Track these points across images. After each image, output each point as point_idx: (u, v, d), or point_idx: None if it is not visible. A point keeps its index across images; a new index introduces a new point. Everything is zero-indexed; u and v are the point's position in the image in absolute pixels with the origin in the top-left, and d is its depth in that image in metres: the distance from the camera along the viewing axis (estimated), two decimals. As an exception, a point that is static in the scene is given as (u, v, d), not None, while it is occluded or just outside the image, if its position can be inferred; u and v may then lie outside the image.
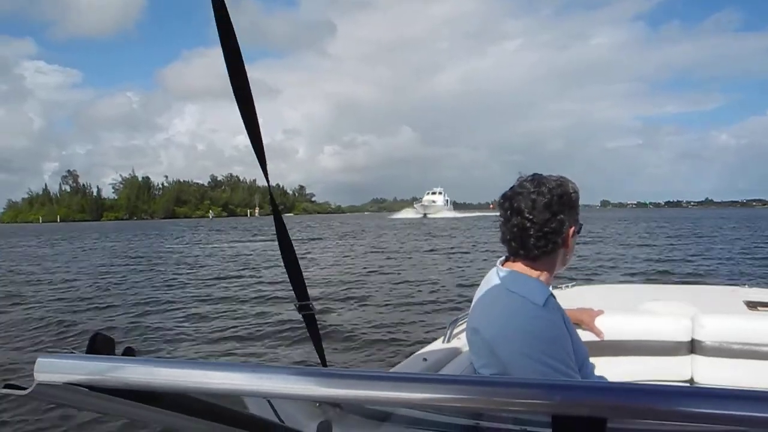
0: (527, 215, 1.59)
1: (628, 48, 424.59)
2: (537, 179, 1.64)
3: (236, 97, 1.21)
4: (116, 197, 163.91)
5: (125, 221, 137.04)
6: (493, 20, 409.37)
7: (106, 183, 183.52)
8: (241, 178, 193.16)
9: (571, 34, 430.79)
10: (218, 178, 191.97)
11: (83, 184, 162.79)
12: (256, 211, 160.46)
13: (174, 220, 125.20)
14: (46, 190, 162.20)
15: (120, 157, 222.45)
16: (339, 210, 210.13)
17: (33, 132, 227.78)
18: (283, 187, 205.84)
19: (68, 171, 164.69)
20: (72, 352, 0.88)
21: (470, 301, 1.78)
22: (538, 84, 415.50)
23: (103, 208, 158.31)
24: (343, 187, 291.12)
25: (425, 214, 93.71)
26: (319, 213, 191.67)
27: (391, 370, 1.98)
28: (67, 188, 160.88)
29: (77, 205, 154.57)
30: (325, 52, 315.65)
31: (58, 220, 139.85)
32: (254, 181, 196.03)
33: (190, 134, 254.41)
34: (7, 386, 0.82)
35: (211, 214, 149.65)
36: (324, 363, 1.46)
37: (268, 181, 1.27)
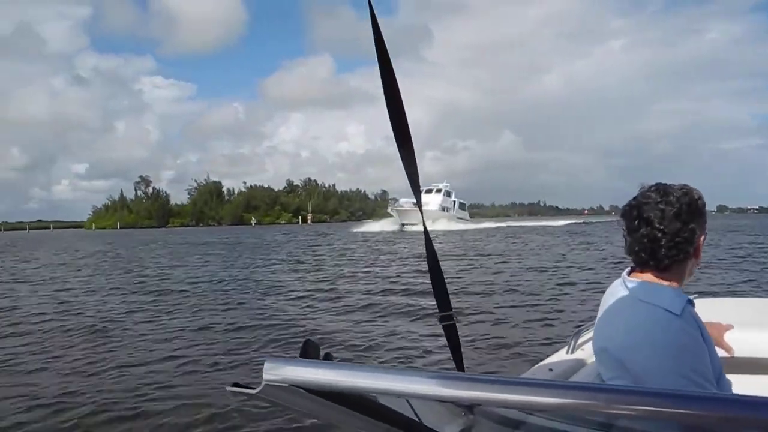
0: (657, 225, 1.61)
1: (745, 42, 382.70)
2: (662, 188, 1.66)
3: (388, 108, 1.36)
4: (183, 203, 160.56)
5: (191, 227, 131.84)
6: (597, 19, 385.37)
7: (182, 189, 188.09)
8: (319, 183, 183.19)
9: (681, 30, 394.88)
10: (294, 183, 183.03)
11: (156, 190, 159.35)
12: (309, 217, 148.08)
13: (236, 227, 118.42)
14: (122, 196, 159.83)
15: (228, 165, 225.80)
16: (426, 216, 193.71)
17: (150, 143, 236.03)
18: (364, 192, 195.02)
19: (141, 177, 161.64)
20: (294, 357, 1.01)
21: (587, 309, 3.72)
22: (645, 84, 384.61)
23: (170, 214, 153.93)
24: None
25: (403, 225, 62.07)
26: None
27: None
28: (140, 193, 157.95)
29: (145, 211, 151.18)
30: (423, 57, 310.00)
31: (118, 227, 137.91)
32: (333, 186, 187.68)
33: (294, 142, 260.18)
34: (235, 385, 0.95)
35: (253, 220, 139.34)
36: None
37: (417, 194, 1.41)
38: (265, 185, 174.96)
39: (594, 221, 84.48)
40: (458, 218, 70.83)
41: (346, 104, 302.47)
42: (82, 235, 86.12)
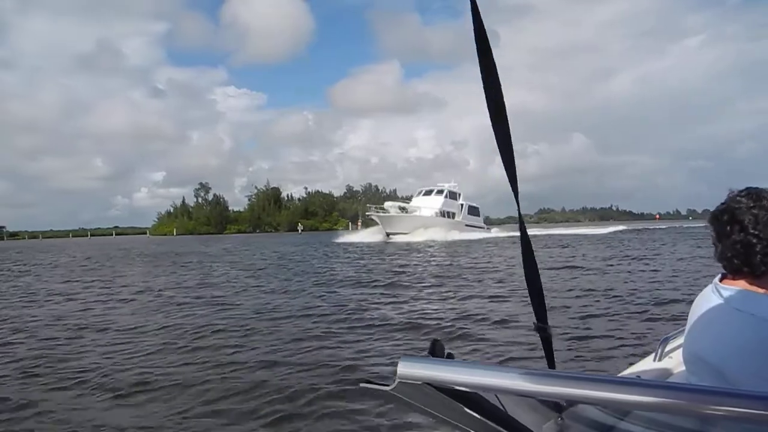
0: (752, 231, 1.59)
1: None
2: (754, 193, 1.65)
3: (490, 113, 1.35)
4: (240, 210, 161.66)
5: (248, 234, 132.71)
6: (671, 17, 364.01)
7: (243, 195, 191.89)
8: (380, 188, 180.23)
9: (765, 23, 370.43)
10: (354, 188, 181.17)
11: (216, 196, 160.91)
12: (359, 223, 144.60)
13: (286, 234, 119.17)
14: (183, 203, 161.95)
15: (298, 171, 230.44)
16: (488, 221, 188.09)
17: (223, 151, 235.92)
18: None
19: (200, 183, 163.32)
20: (427, 356, 1.07)
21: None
22: (726, 82, 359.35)
23: (227, 220, 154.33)
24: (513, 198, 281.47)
25: (388, 234, 52.39)
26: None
27: None
28: (200, 200, 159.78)
29: (204, 217, 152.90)
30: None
31: (174, 233, 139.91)
32: (394, 191, 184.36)
33: (363, 148, 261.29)
34: (367, 382, 1.01)
35: (300, 227, 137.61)
36: None
37: (516, 197, 1.36)
38: (327, 191, 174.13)
39: (656, 227, 75.03)
40: (467, 225, 59.74)
41: (415, 110, 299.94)
42: (127, 241, 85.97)
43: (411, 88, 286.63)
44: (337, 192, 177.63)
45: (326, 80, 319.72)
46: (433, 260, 25.06)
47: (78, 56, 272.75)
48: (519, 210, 1.37)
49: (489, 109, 1.31)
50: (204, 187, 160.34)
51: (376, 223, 54.38)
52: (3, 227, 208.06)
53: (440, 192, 59.69)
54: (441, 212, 56.55)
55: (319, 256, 31.09)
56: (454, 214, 59.11)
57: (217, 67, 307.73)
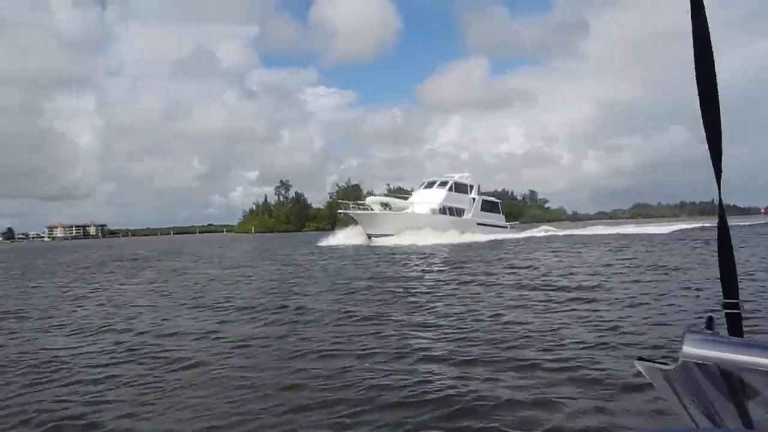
0: None
1: None
2: None
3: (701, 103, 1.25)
4: (320, 207, 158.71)
5: (326, 231, 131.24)
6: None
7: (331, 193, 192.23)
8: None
9: None
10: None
11: (298, 194, 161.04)
12: None
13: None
14: (265, 201, 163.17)
15: (388, 168, 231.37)
16: (575, 217, 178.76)
17: (314, 150, 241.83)
18: (511, 192, 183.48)
19: (281, 181, 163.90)
20: (715, 333, 0.94)
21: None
22: None
23: (307, 218, 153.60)
24: (607, 192, 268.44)
25: (369, 236, 43.88)
26: (550, 221, 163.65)
27: None
28: (281, 198, 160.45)
29: (284, 215, 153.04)
30: (581, 53, 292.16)
31: (252, 231, 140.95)
32: (478, 186, 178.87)
33: (453, 144, 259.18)
34: (642, 359, 0.92)
35: None
36: None
37: (719, 184, 1.26)
38: (410, 188, 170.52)
39: (755, 222, 62.54)
40: (480, 224, 49.61)
41: (504, 105, 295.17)
42: (195, 240, 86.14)
43: (500, 83, 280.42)
44: (388, 185, 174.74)
45: (413, 77, 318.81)
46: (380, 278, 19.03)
47: (176, 62, 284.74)
48: (720, 196, 1.23)
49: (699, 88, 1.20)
50: (284, 185, 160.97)
51: (357, 223, 45.80)
52: (104, 225, 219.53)
53: (443, 184, 50.07)
54: (443, 209, 47.69)
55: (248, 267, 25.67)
56: (461, 210, 49.67)
57: (306, 67, 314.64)
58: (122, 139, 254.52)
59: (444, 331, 8.87)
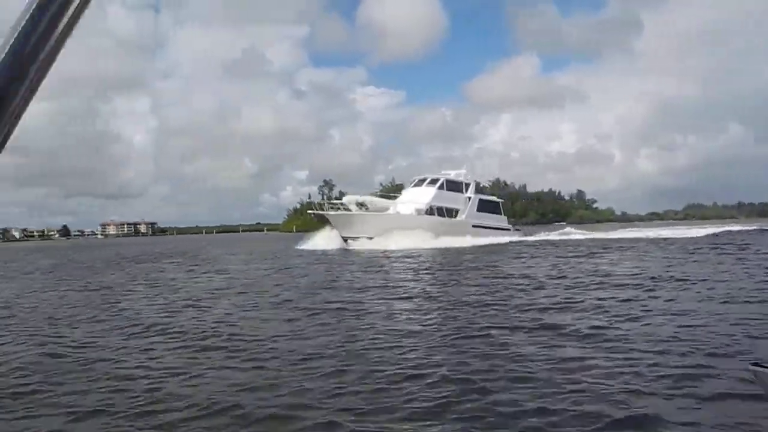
0: None
1: None
2: None
3: None
4: None
5: None
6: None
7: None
8: (509, 183, 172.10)
9: None
10: (481, 184, 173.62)
11: (342, 194, 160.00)
12: None
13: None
14: (309, 200, 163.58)
15: (437, 168, 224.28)
16: (624, 218, 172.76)
17: (363, 149, 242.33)
18: (558, 192, 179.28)
19: (324, 180, 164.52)
20: None
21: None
22: None
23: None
24: (660, 192, 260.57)
25: (345, 239, 40.59)
26: (598, 222, 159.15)
27: None
28: (324, 197, 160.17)
29: None
30: (633, 50, 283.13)
31: (294, 230, 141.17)
32: (523, 186, 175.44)
33: (503, 143, 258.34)
34: (757, 365, 0.89)
35: None
36: None
37: None
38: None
39: None
40: (476, 226, 45.19)
41: (555, 103, 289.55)
42: (231, 238, 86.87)
43: (550, 81, 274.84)
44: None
45: (462, 75, 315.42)
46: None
47: (227, 63, 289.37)
48: None
49: None
50: (328, 185, 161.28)
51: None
52: (154, 223, 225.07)
53: (434, 182, 45.52)
54: (430, 209, 43.47)
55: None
56: (455, 211, 45.48)
57: (355, 67, 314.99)
58: (175, 139, 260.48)
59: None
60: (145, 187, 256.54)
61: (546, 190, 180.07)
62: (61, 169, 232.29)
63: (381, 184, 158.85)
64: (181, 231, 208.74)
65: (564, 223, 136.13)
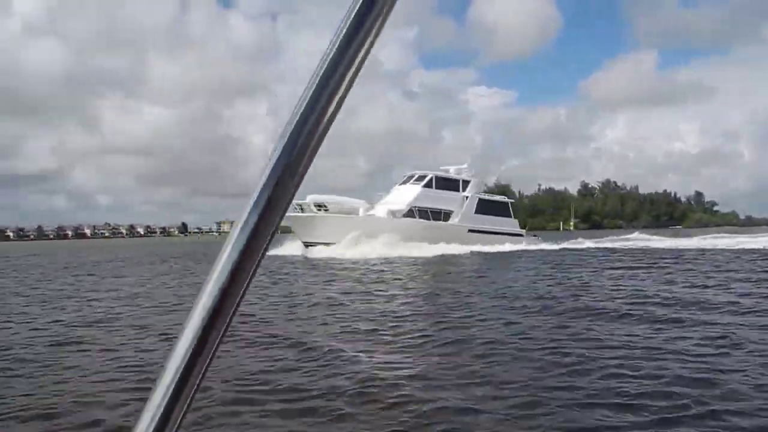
0: None
1: None
2: None
3: None
4: None
5: None
6: None
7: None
8: (620, 184, 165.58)
9: None
10: (590, 185, 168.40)
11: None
12: (572, 223, 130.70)
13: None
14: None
15: (550, 168, 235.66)
16: (749, 222, 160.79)
17: (475, 149, 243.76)
18: (674, 194, 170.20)
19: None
20: None
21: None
22: None
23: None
24: None
25: (306, 245, 35.53)
26: (717, 225, 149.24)
27: None
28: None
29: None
30: (765, 39, 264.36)
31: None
32: (635, 187, 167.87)
33: (620, 143, 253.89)
34: None
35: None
36: None
37: None
38: (560, 188, 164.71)
39: None
40: (472, 231, 39.40)
41: (676, 100, 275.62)
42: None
43: (671, 76, 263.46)
44: (539, 186, 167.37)
45: (577, 74, 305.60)
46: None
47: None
48: None
49: None
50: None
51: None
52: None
53: (421, 179, 39.87)
54: (412, 211, 37.90)
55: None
56: (444, 213, 39.75)
57: (465, 67, 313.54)
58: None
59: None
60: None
61: (660, 191, 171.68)
62: (187, 169, 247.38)
63: (485, 185, 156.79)
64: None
65: (679, 227, 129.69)
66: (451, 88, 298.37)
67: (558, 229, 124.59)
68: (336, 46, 0.57)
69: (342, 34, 0.57)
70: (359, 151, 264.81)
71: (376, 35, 0.58)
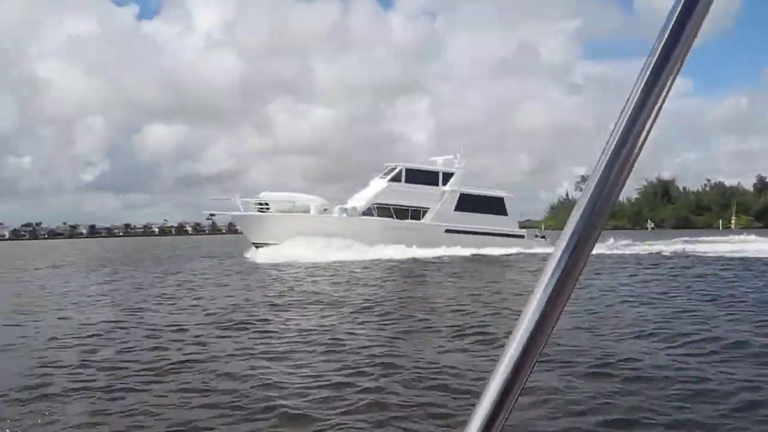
0: None
1: None
2: None
3: None
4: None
5: (626, 229, 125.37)
6: None
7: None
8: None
9: None
10: (766, 179, 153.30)
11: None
12: (733, 221, 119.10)
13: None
14: (567, 197, 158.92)
15: (732, 162, 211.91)
16: None
17: (647, 143, 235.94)
18: None
19: (581, 176, 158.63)
20: None
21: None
22: None
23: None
24: None
25: (256, 246, 33.25)
26: None
27: None
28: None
29: None
30: None
31: (542, 228, 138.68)
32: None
33: None
34: None
35: (650, 224, 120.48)
36: None
37: None
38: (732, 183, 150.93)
39: None
40: (450, 231, 34.56)
41: None
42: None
43: None
44: (708, 181, 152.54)
45: (761, 58, 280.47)
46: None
47: (500, 62, 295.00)
48: None
49: None
50: (584, 180, 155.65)
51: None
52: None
53: (390, 172, 35.72)
54: (372, 209, 34.33)
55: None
56: (417, 211, 35.29)
57: (634, 57, 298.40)
58: (452, 138, 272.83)
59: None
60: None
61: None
62: (350, 167, 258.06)
63: (645, 179, 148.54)
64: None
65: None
66: (618, 79, 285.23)
67: (718, 227, 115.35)
68: (660, 48, 0.59)
69: (665, 37, 0.59)
70: (520, 148, 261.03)
71: (695, 34, 0.60)
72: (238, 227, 35.49)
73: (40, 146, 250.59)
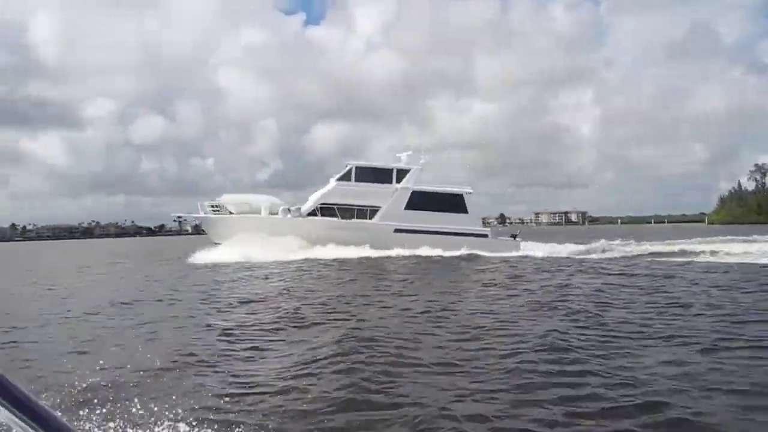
0: None
1: None
2: None
3: None
4: None
5: None
6: None
7: None
8: None
9: None
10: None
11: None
12: None
13: None
14: (739, 187, 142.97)
15: None
16: None
17: None
18: None
19: (756, 165, 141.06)
20: None
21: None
22: None
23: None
24: None
25: (216, 245, 32.43)
26: None
27: None
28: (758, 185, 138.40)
29: (755, 204, 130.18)
30: None
31: (705, 222, 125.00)
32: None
33: None
34: None
35: None
36: None
37: None
38: None
39: None
40: (400, 230, 32.85)
41: None
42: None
43: None
44: None
45: None
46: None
47: (670, 45, 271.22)
48: None
49: None
50: (760, 170, 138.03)
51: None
52: (585, 212, 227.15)
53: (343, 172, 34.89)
54: (317, 210, 33.93)
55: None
56: (363, 211, 33.99)
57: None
58: (618, 128, 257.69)
59: None
60: (588, 176, 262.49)
61: None
62: (512, 161, 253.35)
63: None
64: (610, 221, 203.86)
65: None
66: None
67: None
68: None
69: None
70: (693, 136, 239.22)
71: None
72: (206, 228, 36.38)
73: (220, 149, 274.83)
